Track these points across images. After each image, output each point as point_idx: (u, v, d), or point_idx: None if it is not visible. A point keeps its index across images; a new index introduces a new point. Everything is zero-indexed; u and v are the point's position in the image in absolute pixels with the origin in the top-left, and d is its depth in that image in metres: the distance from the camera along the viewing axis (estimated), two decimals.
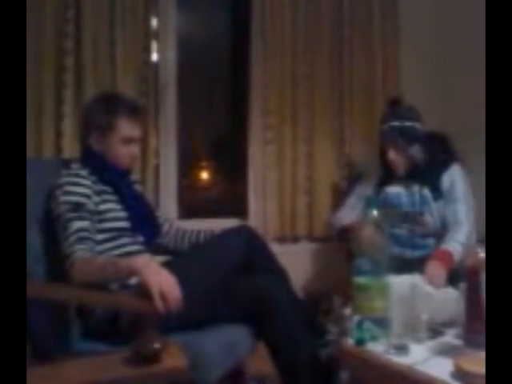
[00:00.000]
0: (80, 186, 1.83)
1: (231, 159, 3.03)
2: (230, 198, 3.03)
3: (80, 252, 1.72)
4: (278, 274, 1.88)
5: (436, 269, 2.10)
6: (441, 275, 2.08)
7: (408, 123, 2.32)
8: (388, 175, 2.41)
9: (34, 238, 1.78)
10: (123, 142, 1.93)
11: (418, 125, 2.33)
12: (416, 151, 2.33)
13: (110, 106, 1.96)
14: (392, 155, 2.33)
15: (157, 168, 2.66)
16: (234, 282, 1.77)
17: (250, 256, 1.81)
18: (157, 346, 1.37)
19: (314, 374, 1.71)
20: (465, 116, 2.83)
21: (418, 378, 1.40)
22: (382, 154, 2.37)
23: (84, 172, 1.89)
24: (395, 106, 2.39)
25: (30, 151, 2.30)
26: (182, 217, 2.78)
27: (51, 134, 2.41)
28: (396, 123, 2.32)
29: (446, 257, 2.15)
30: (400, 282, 1.78)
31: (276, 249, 1.97)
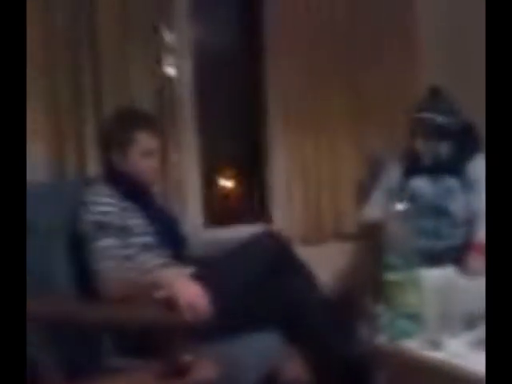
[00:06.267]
0: (104, 205, 1.86)
1: (253, 166, 3.03)
2: (254, 204, 3.03)
3: (108, 269, 1.74)
4: (306, 276, 1.86)
5: (476, 260, 2.05)
6: (481, 266, 2.03)
7: (444, 119, 2.26)
8: (413, 166, 2.37)
9: (61, 259, 1.80)
10: (143, 155, 1.95)
11: (453, 121, 2.27)
12: (445, 147, 2.28)
13: (126, 120, 1.99)
14: (420, 145, 2.29)
15: (179, 180, 2.66)
16: (262, 288, 1.76)
17: (277, 261, 1.80)
18: (188, 358, 1.38)
19: (348, 375, 1.69)
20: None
21: (455, 372, 1.37)
22: (411, 143, 2.33)
23: (107, 190, 1.91)
24: (434, 96, 2.32)
25: (53, 172, 2.33)
26: (208, 226, 2.78)
27: (73, 154, 2.44)
28: (431, 115, 2.27)
29: (484, 247, 2.10)
30: (432, 276, 1.75)
31: (303, 250, 1.96)
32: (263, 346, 1.69)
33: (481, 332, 1.56)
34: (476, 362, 1.35)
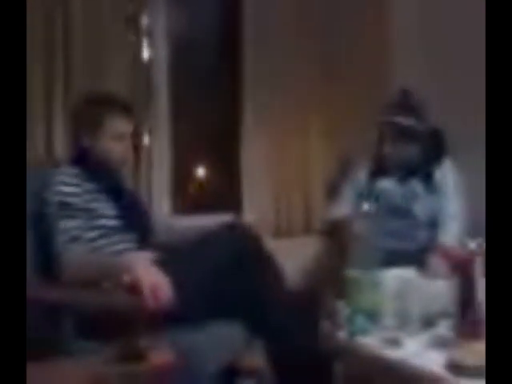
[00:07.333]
0: (70, 186, 1.83)
1: (225, 155, 3.03)
2: (224, 193, 3.02)
3: (72, 251, 1.72)
4: (272, 269, 1.86)
5: (438, 263, 2.08)
6: (443, 269, 2.07)
7: (412, 122, 2.28)
8: (380, 168, 2.40)
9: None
10: (114, 138, 1.93)
11: (421, 125, 2.30)
12: (413, 150, 2.31)
13: (100, 103, 1.96)
14: (389, 148, 2.32)
15: (149, 165, 2.64)
16: (226, 279, 1.75)
17: (242, 252, 1.80)
18: (144, 343, 1.37)
19: (307, 369, 1.70)
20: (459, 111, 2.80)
21: (411, 371, 1.39)
22: (380, 144, 2.36)
23: (74, 171, 1.89)
24: (404, 99, 2.34)
25: None
26: (176, 214, 2.76)
27: (41, 133, 2.39)
28: (400, 119, 2.29)
29: (447, 251, 2.14)
30: (392, 276, 1.77)
31: (271, 243, 1.97)
32: (225, 337, 1.69)
33: (438, 332, 1.60)
34: (432, 361, 1.38)
